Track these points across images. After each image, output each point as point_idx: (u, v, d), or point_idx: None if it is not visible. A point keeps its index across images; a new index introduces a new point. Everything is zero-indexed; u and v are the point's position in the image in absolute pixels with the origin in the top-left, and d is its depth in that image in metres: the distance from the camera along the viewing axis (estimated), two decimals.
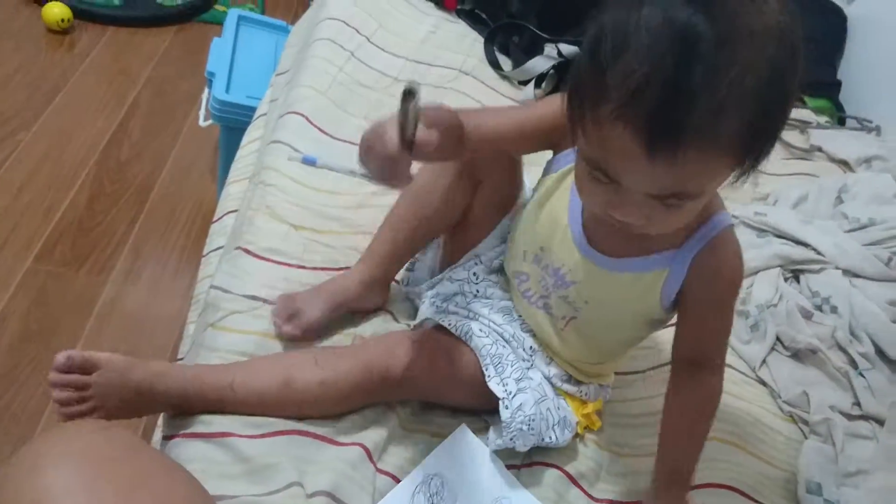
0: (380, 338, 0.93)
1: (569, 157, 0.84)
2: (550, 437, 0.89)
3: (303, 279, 0.99)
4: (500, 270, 0.99)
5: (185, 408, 0.83)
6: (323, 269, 1.02)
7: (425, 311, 0.96)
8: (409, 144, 0.68)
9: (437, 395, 0.93)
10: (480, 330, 0.92)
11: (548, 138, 0.85)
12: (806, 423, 1.06)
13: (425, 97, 0.68)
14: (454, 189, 0.93)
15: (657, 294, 0.82)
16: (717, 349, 0.87)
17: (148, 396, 0.80)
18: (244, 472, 0.78)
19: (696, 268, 0.80)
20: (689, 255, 0.80)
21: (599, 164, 0.67)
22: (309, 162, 1.16)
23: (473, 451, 0.89)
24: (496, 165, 0.93)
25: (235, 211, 1.20)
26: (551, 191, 0.87)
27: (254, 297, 0.96)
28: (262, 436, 0.82)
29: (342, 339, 0.95)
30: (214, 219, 1.29)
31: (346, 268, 1.01)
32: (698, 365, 0.86)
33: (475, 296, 0.97)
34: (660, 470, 0.88)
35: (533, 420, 0.87)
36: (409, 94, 0.66)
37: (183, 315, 1.25)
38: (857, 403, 1.08)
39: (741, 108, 0.60)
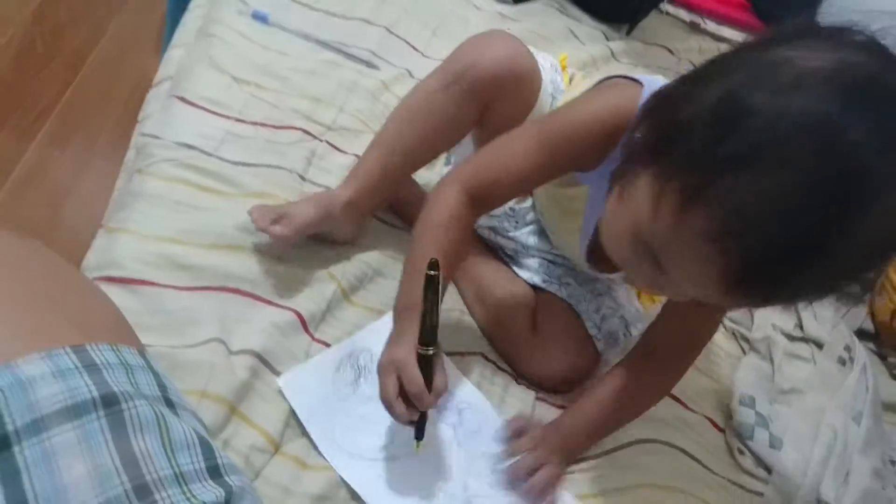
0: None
1: (579, 179, 0.77)
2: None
3: (241, 133, 0.92)
4: None
5: None
6: (263, 124, 0.94)
7: None
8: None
9: None
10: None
11: (574, 164, 0.74)
12: (747, 340, 1.06)
13: None
14: (456, 114, 0.82)
15: None
16: (690, 346, 0.81)
17: None
18: (162, 325, 0.72)
19: None
20: None
21: (653, 248, 0.57)
22: (259, 17, 1.07)
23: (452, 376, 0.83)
24: (502, 91, 0.80)
25: None
26: (561, 193, 0.83)
27: (186, 145, 0.87)
28: (190, 289, 0.76)
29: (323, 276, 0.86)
30: (153, 84, 1.18)
31: (287, 128, 0.94)
32: (660, 361, 0.81)
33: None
34: (564, 422, 0.82)
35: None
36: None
37: (109, 189, 1.16)
38: (800, 326, 1.08)
39: (862, 268, 0.54)
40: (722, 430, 0.95)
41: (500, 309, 0.89)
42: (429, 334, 0.65)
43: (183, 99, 0.92)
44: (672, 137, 0.55)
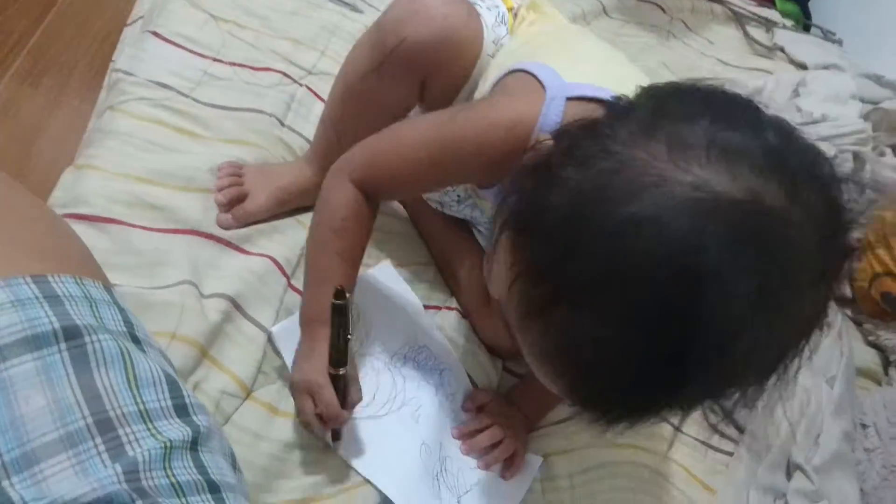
0: None
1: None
2: None
3: (218, 73, 0.88)
4: None
5: None
6: (241, 65, 0.91)
7: None
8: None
9: None
10: None
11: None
12: None
13: None
14: (393, 97, 0.75)
15: None
16: None
17: None
18: (130, 265, 0.70)
19: None
20: None
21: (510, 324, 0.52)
22: None
23: (394, 287, 0.82)
24: (438, 65, 0.72)
25: None
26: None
27: (161, 85, 0.84)
28: (160, 231, 0.74)
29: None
30: (128, 22, 1.14)
31: (266, 69, 0.91)
32: None
33: None
34: (521, 391, 0.81)
35: None
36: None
37: (81, 130, 1.12)
38: None
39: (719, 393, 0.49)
40: None
41: (456, 277, 0.87)
42: (339, 357, 0.64)
43: (157, 34, 0.89)
44: (530, 224, 0.48)
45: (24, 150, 1.37)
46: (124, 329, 0.47)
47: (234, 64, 0.90)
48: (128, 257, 0.70)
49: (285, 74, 0.94)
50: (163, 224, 0.74)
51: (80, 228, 0.70)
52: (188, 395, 0.47)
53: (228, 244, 0.77)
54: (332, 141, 0.79)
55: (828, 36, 1.75)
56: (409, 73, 0.72)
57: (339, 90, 0.79)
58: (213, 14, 0.93)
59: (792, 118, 1.26)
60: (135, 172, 0.76)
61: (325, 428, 0.66)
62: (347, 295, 0.63)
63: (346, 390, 0.66)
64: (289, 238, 0.79)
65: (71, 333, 0.42)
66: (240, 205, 0.79)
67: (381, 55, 0.72)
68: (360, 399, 0.67)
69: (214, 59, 0.89)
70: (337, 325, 0.63)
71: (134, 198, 0.74)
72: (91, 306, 0.45)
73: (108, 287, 0.50)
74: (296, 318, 0.71)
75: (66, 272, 0.47)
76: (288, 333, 0.71)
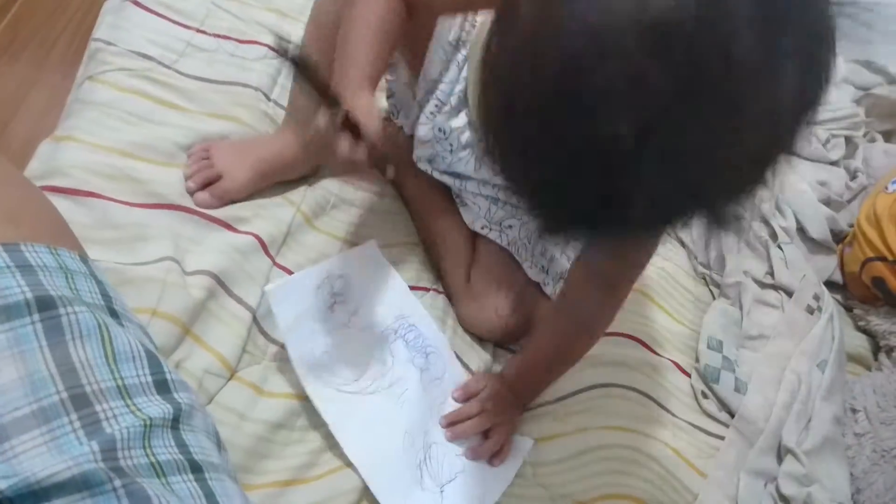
0: None
1: None
2: None
3: (203, 44, 0.86)
4: None
5: None
6: (226, 37, 0.88)
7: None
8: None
9: None
10: None
11: None
12: (717, 285, 1.05)
13: None
14: (364, 14, 0.66)
15: None
16: (608, 286, 0.70)
17: None
18: (110, 240, 0.67)
19: None
20: None
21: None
22: None
23: (379, 266, 0.81)
24: None
25: None
26: None
27: (143, 55, 0.81)
28: (141, 205, 0.71)
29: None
30: None
31: (251, 42, 0.88)
32: (596, 285, 0.70)
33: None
34: (510, 373, 0.79)
35: None
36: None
37: (61, 107, 1.09)
38: (771, 273, 1.07)
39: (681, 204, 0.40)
40: (688, 374, 0.94)
41: (440, 260, 0.86)
42: (329, 98, 0.57)
43: (139, 3, 0.86)
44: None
45: (1, 128, 1.33)
46: (102, 302, 0.45)
47: (218, 35, 0.88)
48: (107, 231, 0.67)
49: (270, 47, 0.91)
50: (144, 198, 0.71)
51: (57, 201, 0.66)
52: (169, 372, 0.45)
53: (213, 220, 0.74)
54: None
55: None
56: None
57: (311, 31, 0.75)
58: None
59: None
60: (115, 145, 0.73)
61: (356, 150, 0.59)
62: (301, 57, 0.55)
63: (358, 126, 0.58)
64: (275, 216, 0.77)
65: (45, 304, 0.40)
66: (217, 183, 0.76)
67: None
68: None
69: (198, 30, 0.87)
70: (300, 82, 0.58)
71: (114, 170, 0.71)
72: (66, 277, 0.43)
73: (84, 258, 0.48)
74: (291, 278, 0.70)
75: (40, 240, 0.45)
76: (282, 292, 0.69)
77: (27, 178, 0.60)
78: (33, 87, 1.43)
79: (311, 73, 0.56)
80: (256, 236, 0.75)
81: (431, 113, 0.80)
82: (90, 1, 1.63)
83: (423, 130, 0.82)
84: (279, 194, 0.80)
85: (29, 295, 0.40)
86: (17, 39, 1.49)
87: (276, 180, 0.80)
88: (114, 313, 0.45)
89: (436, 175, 0.84)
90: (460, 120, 0.80)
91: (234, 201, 0.77)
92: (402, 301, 0.80)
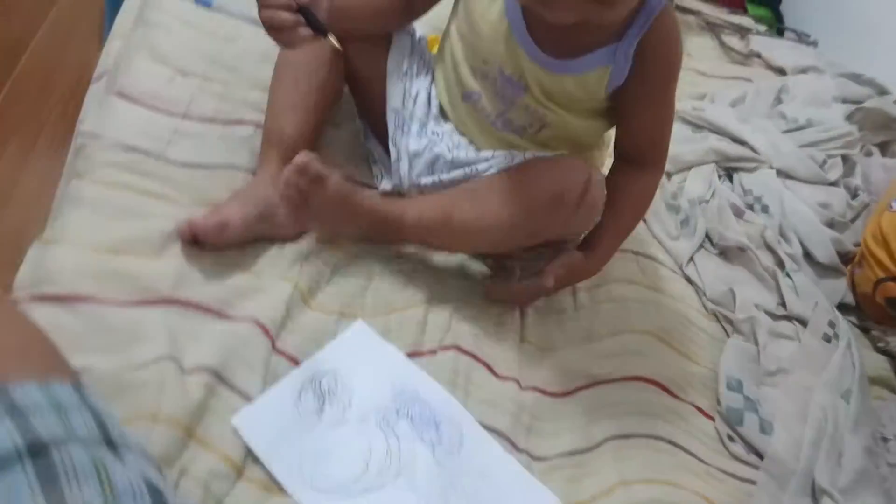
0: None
1: None
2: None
3: (189, 131, 0.85)
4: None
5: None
6: (212, 120, 0.87)
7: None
8: None
9: None
10: None
11: None
12: (730, 321, 1.02)
13: None
14: (324, 50, 0.83)
15: (602, 89, 0.80)
16: (656, 145, 0.86)
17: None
18: (104, 344, 0.65)
19: (638, 58, 0.76)
20: (631, 47, 0.76)
21: None
22: (203, 3, 0.99)
23: (370, 346, 0.78)
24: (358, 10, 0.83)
25: None
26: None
27: (130, 147, 0.80)
28: (134, 303, 0.69)
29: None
30: (93, 79, 1.10)
31: (239, 122, 0.87)
32: (636, 164, 0.85)
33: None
34: (591, 253, 0.87)
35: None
36: None
37: (52, 193, 1.08)
38: (783, 304, 1.05)
39: None
40: (711, 418, 0.92)
41: None
42: None
43: (123, 94, 0.85)
44: None
45: None
46: (97, 433, 0.43)
47: (204, 119, 0.87)
48: (100, 337, 0.65)
49: (259, 125, 0.90)
50: (136, 296, 0.69)
51: (48, 310, 0.65)
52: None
53: (208, 310, 0.73)
54: (286, 120, 0.84)
55: (802, 38, 1.74)
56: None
57: (273, 80, 0.87)
58: (179, 69, 0.90)
59: (777, 125, 1.25)
60: (104, 243, 0.72)
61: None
62: None
63: None
64: (272, 297, 0.75)
65: (37, 449, 0.38)
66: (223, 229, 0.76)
67: None
68: None
69: (184, 117, 0.86)
70: None
71: (104, 270, 0.70)
72: (58, 414, 0.41)
73: (76, 384, 0.45)
74: (258, 403, 0.68)
75: (28, 373, 0.43)
76: (252, 419, 0.66)
77: (4, 297, 0.59)
78: (22, 174, 1.43)
79: None
80: (256, 321, 0.73)
81: (420, 127, 0.89)
82: (74, 83, 1.64)
83: (415, 144, 0.87)
84: (276, 270, 0.78)
85: (19, 441, 0.38)
86: (5, 128, 1.49)
87: (269, 225, 0.80)
88: (111, 444, 0.43)
89: (441, 179, 0.88)
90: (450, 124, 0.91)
91: (230, 241, 0.76)
92: (402, 374, 0.76)
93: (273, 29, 0.71)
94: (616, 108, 0.83)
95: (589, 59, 0.77)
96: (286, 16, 0.70)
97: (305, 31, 0.71)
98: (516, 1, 0.77)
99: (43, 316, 0.65)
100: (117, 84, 0.87)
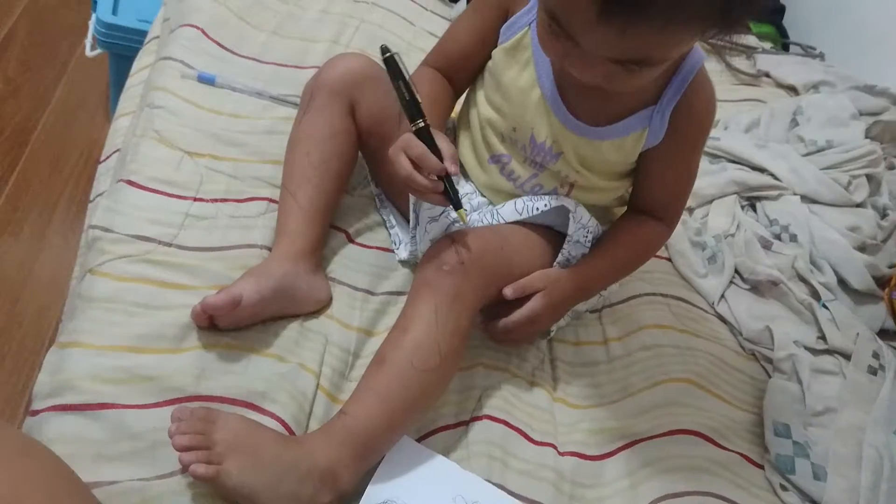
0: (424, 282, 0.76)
1: (517, 24, 0.79)
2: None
3: (200, 213, 0.83)
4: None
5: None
6: (223, 200, 0.86)
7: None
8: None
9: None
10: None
11: (502, 9, 0.80)
12: (769, 360, 0.98)
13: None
14: (327, 123, 0.84)
15: (637, 152, 0.80)
16: (674, 203, 0.86)
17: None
18: (129, 453, 0.63)
19: (672, 119, 0.77)
20: (668, 108, 0.76)
21: (555, 14, 0.61)
22: (206, 80, 0.98)
23: (419, 458, 0.74)
24: (358, 86, 0.85)
25: None
26: (505, 64, 0.81)
27: (142, 238, 0.79)
28: (156, 405, 0.67)
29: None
30: (101, 158, 1.10)
31: (251, 199, 0.86)
32: (654, 217, 0.85)
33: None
34: (572, 270, 0.84)
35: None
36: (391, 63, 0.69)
37: (69, 271, 1.07)
38: (822, 337, 1.01)
39: None
40: (760, 466, 0.88)
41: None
42: (410, 109, 0.70)
43: (132, 182, 0.84)
44: None
45: (11, 308, 1.32)
46: None
47: (215, 200, 0.85)
48: (124, 444, 0.63)
49: (271, 200, 0.89)
50: (158, 396, 0.67)
51: (69, 419, 0.63)
52: None
53: (232, 401, 0.70)
54: (300, 198, 0.82)
55: (808, 52, 1.72)
56: (335, 97, 0.84)
57: (287, 151, 0.87)
58: (187, 150, 0.89)
59: (796, 149, 1.22)
60: (121, 342, 0.70)
61: (431, 184, 0.70)
62: (392, 51, 0.69)
63: (434, 142, 0.70)
64: (297, 391, 0.73)
65: None
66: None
67: (307, 97, 0.86)
68: (453, 150, 0.71)
69: (195, 199, 0.84)
70: (395, 82, 0.69)
71: (123, 373, 0.67)
72: None
73: None
74: None
75: None
76: None
77: (11, 433, 0.57)
78: (38, 257, 1.43)
79: (403, 79, 0.69)
80: (279, 419, 0.70)
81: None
82: (84, 158, 1.65)
83: (432, 210, 0.83)
84: (296, 356, 0.76)
85: None
86: (19, 209, 1.50)
87: (290, 299, 0.78)
88: None
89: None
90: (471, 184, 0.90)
91: (246, 318, 0.74)
92: (459, 486, 0.72)
93: (413, 186, 0.71)
94: (640, 167, 0.82)
95: (627, 124, 0.77)
96: (426, 181, 0.70)
97: (438, 198, 0.72)
98: (549, 65, 0.76)
99: (65, 427, 0.63)
100: (125, 170, 0.86)
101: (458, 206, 0.72)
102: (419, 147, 0.69)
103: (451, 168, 0.70)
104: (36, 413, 0.65)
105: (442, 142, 0.71)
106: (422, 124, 0.70)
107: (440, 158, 0.70)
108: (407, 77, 0.69)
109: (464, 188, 0.90)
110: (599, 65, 0.63)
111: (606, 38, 0.58)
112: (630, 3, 0.54)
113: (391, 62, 0.69)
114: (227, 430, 0.61)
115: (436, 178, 0.71)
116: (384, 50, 0.69)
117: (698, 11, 0.56)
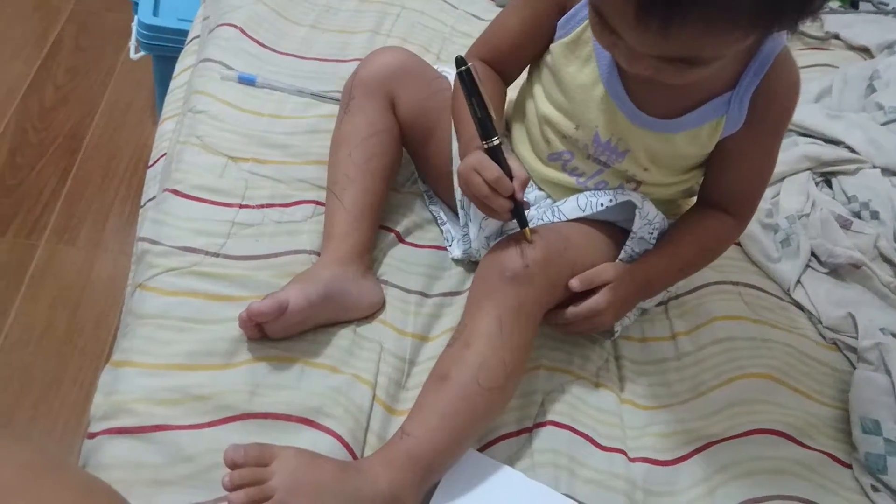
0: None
1: (576, 18, 0.75)
2: None
3: (247, 220, 0.81)
4: None
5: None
6: (269, 205, 0.84)
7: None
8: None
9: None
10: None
11: (556, 2, 0.76)
12: (853, 350, 0.91)
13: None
14: (368, 120, 0.83)
15: (714, 142, 0.75)
16: (750, 197, 0.80)
17: None
18: (184, 476, 0.62)
19: (752, 105, 0.71)
20: (748, 93, 0.71)
21: (600, 9, 0.59)
22: (246, 81, 0.96)
23: (484, 468, 0.70)
24: (398, 81, 0.84)
25: None
26: (564, 60, 0.76)
27: (189, 249, 0.77)
28: (210, 424, 0.66)
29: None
30: (150, 163, 1.09)
31: (296, 203, 0.84)
32: (725, 211, 0.80)
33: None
34: (637, 265, 0.79)
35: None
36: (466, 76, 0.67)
37: (125, 275, 1.08)
38: None
39: None
40: (848, 466, 0.82)
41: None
42: (484, 127, 0.68)
43: (177, 192, 0.82)
44: None
45: (71, 314, 1.34)
46: None
47: (261, 206, 0.83)
48: (180, 467, 0.62)
49: (317, 203, 0.86)
50: (212, 416, 0.66)
51: (125, 443, 0.63)
52: None
53: (287, 418, 0.68)
54: (345, 200, 0.80)
55: (880, 8, 1.60)
56: (374, 95, 0.82)
57: (331, 153, 0.85)
58: (230, 156, 0.87)
59: (874, 118, 1.13)
60: (172, 360, 0.69)
61: (501, 198, 0.69)
62: (469, 63, 0.67)
63: (506, 163, 0.69)
64: (353, 404, 0.70)
65: None
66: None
67: (346, 96, 0.84)
68: (525, 175, 0.70)
69: (240, 206, 0.83)
70: (469, 98, 0.67)
71: (176, 393, 0.66)
72: None
73: None
74: None
75: None
76: None
77: (80, 470, 0.55)
78: (95, 262, 1.45)
79: (478, 95, 0.67)
80: (336, 435, 0.68)
81: None
82: (135, 162, 1.66)
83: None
84: (350, 367, 0.74)
85: None
86: (74, 216, 1.52)
87: (341, 305, 0.76)
88: None
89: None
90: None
91: (294, 324, 0.72)
92: (525, 494, 0.69)
93: (490, 208, 0.71)
94: (714, 156, 0.77)
95: (702, 113, 0.73)
96: (502, 202, 0.70)
97: (508, 215, 0.72)
98: (612, 59, 0.72)
99: (120, 451, 0.63)
100: (170, 179, 0.85)
101: (524, 224, 0.71)
102: (495, 170, 0.68)
103: (520, 196, 0.70)
104: (93, 436, 0.64)
105: (513, 161, 0.70)
106: (496, 142, 0.68)
107: (509, 176, 0.69)
108: (482, 93, 0.68)
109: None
110: (647, 60, 0.60)
111: (648, 38, 0.56)
112: (667, 6, 0.52)
113: (466, 77, 0.67)
114: (284, 472, 0.58)
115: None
116: (459, 62, 0.67)
117: (744, 14, 0.53)
